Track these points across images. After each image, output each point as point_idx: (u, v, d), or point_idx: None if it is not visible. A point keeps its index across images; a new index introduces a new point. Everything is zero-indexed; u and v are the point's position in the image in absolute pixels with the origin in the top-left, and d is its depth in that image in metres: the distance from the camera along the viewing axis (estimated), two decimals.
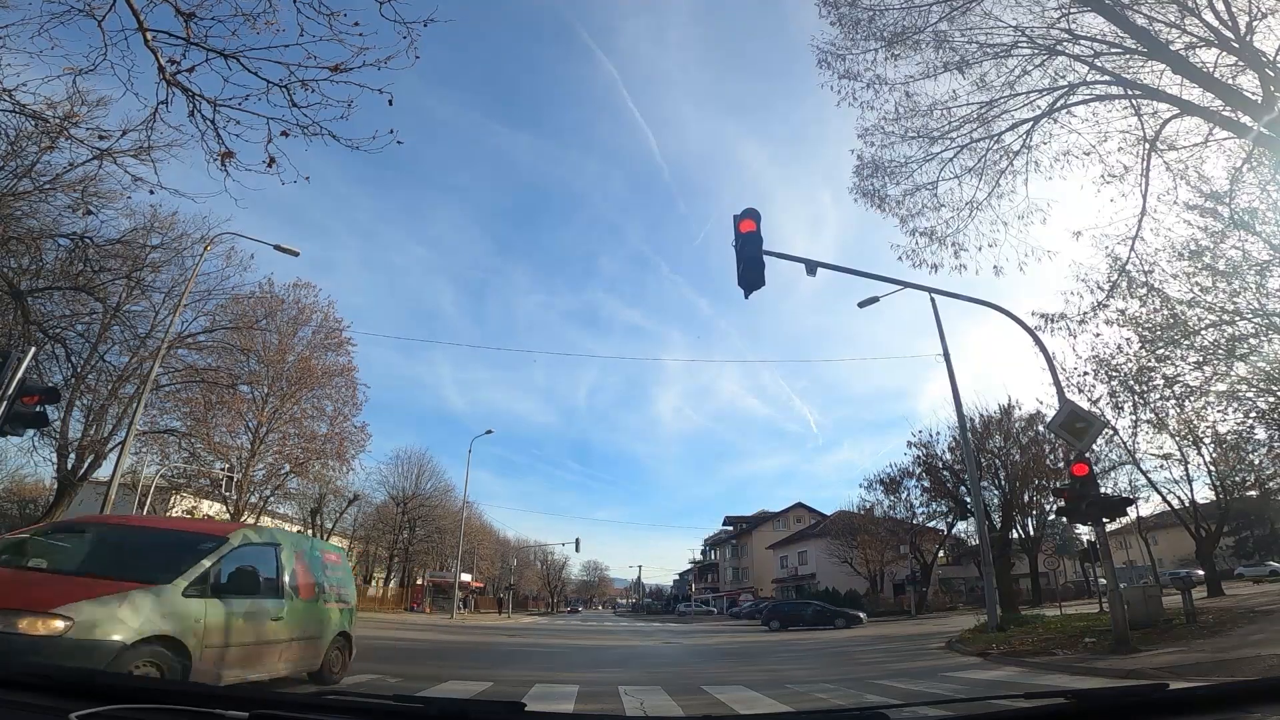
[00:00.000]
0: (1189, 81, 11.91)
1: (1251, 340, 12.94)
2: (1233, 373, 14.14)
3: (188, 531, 6.95)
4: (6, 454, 38.50)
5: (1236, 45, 11.34)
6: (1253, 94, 11.47)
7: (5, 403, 7.33)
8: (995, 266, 14.53)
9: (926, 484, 34.06)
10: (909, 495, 38.18)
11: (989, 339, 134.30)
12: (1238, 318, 12.91)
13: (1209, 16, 11.66)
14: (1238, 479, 23.58)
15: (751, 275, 10.53)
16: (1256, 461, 20.27)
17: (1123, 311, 14.12)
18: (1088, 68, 13.05)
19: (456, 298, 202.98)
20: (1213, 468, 23.54)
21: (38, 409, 8.08)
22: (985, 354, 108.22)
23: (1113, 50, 12.74)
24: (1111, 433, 20.06)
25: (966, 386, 65.38)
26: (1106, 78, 13.03)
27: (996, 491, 28.32)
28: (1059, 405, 12.06)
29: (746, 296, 10.57)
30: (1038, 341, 12.99)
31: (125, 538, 6.60)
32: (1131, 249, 13.35)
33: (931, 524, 39.78)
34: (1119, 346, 14.92)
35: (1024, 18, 13.11)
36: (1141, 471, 24.59)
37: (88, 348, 19.73)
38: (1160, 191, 13.27)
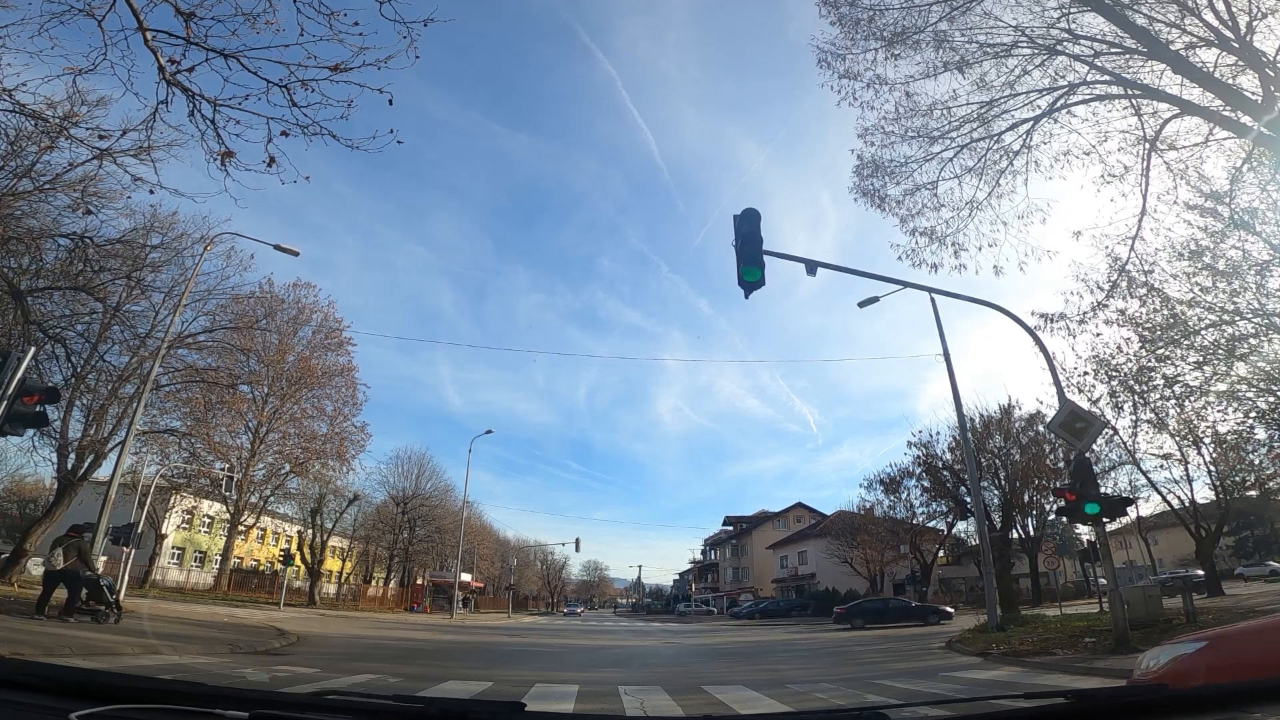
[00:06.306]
0: (1189, 81, 11.92)
1: (1251, 340, 12.93)
2: (1233, 373, 14.12)
3: None
4: (6, 454, 38.70)
5: (1236, 45, 11.34)
6: (1253, 94, 11.48)
7: (5, 403, 7.31)
8: (995, 266, 14.58)
9: (926, 484, 34.01)
10: (909, 495, 38.13)
11: (989, 339, 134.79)
12: (1238, 318, 12.89)
13: (1209, 16, 11.67)
14: (1238, 479, 23.56)
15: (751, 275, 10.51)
16: (1256, 461, 20.27)
17: (1123, 311, 14.12)
18: (1088, 67, 13.05)
19: (456, 298, 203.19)
20: (1213, 468, 23.58)
21: (38, 409, 8.06)
22: (985, 354, 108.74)
23: (1113, 50, 12.75)
24: (1111, 433, 20.08)
25: (966, 386, 65.42)
26: (1106, 78, 13.03)
27: (996, 491, 28.25)
28: (1059, 405, 12.05)
29: (746, 296, 10.57)
30: (1038, 341, 12.99)
31: None
32: (1131, 249, 13.36)
33: (931, 524, 39.76)
34: (1119, 346, 14.89)
35: (1024, 18, 13.14)
36: (1141, 471, 24.69)
37: (88, 348, 19.73)
38: (1160, 191, 13.31)
